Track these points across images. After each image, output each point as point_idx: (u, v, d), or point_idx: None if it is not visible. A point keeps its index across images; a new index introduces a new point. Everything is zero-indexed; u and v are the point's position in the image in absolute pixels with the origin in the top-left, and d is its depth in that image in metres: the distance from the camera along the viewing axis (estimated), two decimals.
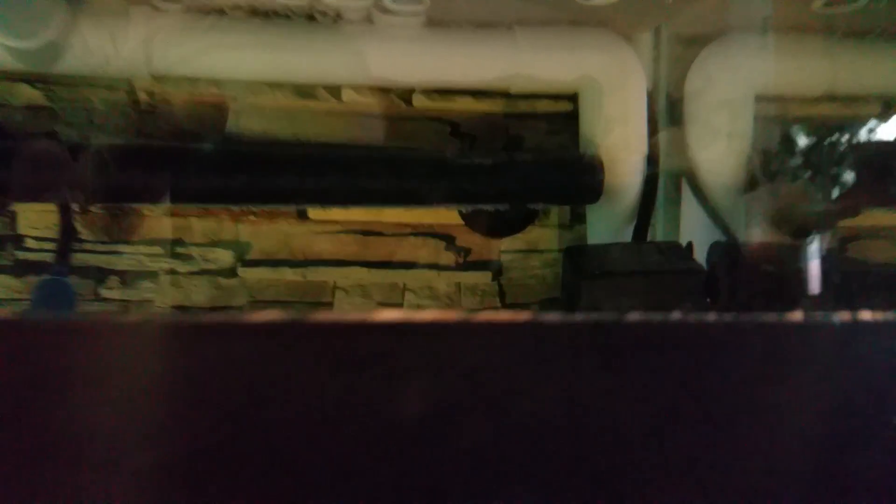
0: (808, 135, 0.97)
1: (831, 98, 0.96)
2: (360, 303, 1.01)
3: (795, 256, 0.84)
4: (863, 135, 0.90)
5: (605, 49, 0.95)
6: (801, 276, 0.79)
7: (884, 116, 0.97)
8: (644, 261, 0.82)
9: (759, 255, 0.87)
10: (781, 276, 0.80)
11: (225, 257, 0.97)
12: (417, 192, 0.90)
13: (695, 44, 0.96)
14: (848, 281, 0.79)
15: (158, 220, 0.95)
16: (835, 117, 0.98)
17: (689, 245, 0.85)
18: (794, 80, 0.94)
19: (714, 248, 0.87)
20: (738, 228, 0.94)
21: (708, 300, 0.77)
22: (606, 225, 0.96)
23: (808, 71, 0.92)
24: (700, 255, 0.91)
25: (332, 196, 0.89)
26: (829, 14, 0.87)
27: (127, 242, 0.95)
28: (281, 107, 0.98)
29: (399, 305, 1.02)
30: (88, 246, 0.93)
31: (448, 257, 1.03)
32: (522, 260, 1.05)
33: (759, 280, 0.83)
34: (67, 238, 0.86)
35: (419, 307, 1.03)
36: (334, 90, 0.98)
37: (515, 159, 0.92)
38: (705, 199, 0.93)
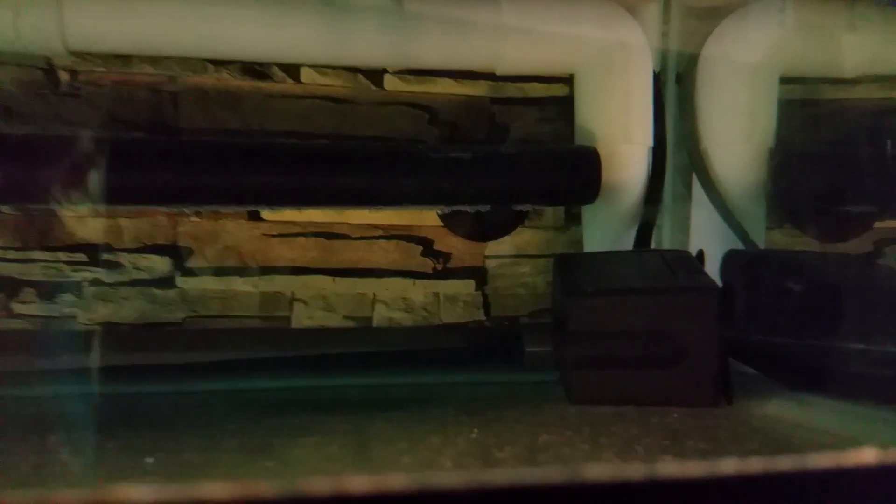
0: (843, 121, 0.84)
1: (873, 79, 0.83)
2: (323, 316, 0.88)
3: (830, 268, 0.71)
4: None
5: (605, 23, 0.82)
6: (837, 294, 0.65)
7: None
8: (646, 275, 0.69)
9: (784, 267, 0.74)
10: (811, 294, 0.67)
11: (161, 265, 0.84)
12: (386, 190, 0.77)
13: (711, 16, 0.82)
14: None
15: (82, 222, 0.81)
16: (876, 101, 0.85)
17: (700, 254, 0.72)
18: (828, 59, 0.80)
19: (729, 258, 0.74)
20: (759, 233, 0.81)
21: (722, 323, 0.64)
22: (605, 228, 0.83)
23: (845, 47, 0.79)
24: (714, 266, 0.77)
25: (284, 196, 0.75)
26: None
27: (44, 249, 0.81)
28: (228, 88, 0.84)
29: (368, 319, 0.89)
30: None
31: (425, 264, 0.90)
32: (510, 266, 0.91)
33: (782, 299, 0.70)
34: None
35: (391, 320, 0.89)
36: (291, 69, 0.85)
37: (499, 153, 0.79)
38: (720, 198, 0.80)
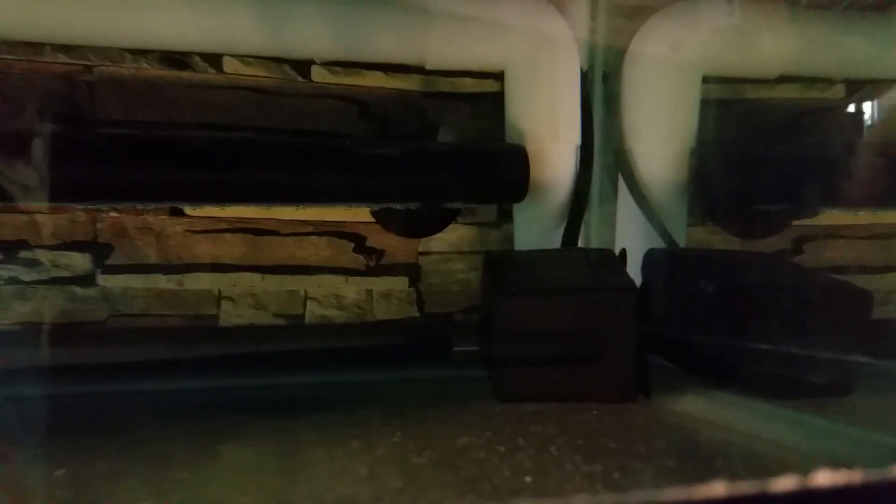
0: (762, 121, 0.86)
1: (792, 79, 0.85)
2: (253, 315, 0.86)
3: (741, 267, 0.73)
4: (824, 124, 0.80)
5: (533, 19, 0.82)
6: (745, 293, 0.68)
7: (847, 102, 0.87)
8: (568, 274, 0.70)
9: (698, 266, 0.76)
10: (721, 293, 0.69)
11: (81, 262, 0.81)
12: (312, 187, 0.76)
13: (637, 15, 0.83)
14: (810, 294, 0.68)
15: None
16: (794, 101, 0.88)
17: (623, 253, 0.73)
18: (750, 59, 0.82)
19: (649, 257, 0.76)
20: (681, 231, 0.83)
21: (640, 321, 0.65)
22: (534, 225, 0.84)
23: (766, 48, 0.81)
24: (637, 263, 0.79)
25: (203, 192, 0.73)
26: None
27: None
28: (147, 78, 0.82)
29: (300, 317, 0.88)
30: None
31: (357, 260, 0.89)
32: (444, 263, 0.91)
33: (696, 297, 0.72)
34: None
35: (324, 318, 0.89)
36: (213, 59, 0.82)
37: (428, 149, 0.78)
38: (643, 196, 0.82)
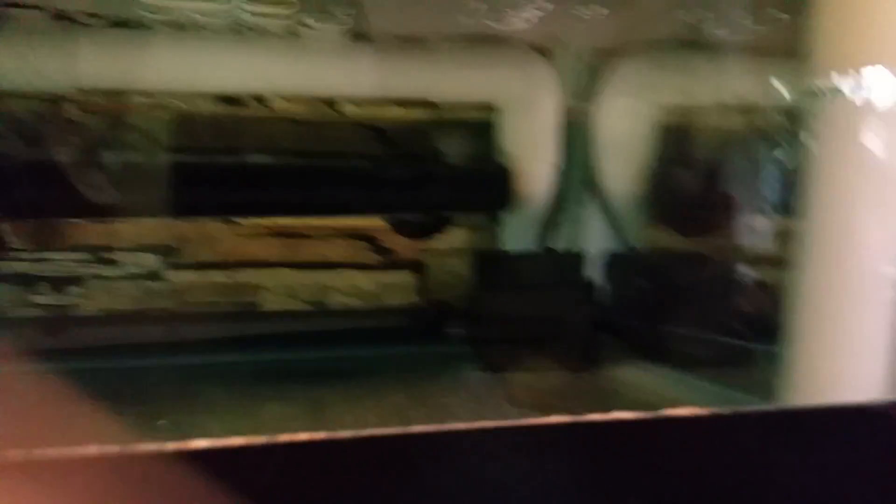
0: (703, 145, 1.03)
1: (726, 109, 1.02)
2: (286, 302, 1.06)
3: (673, 266, 0.91)
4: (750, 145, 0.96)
5: (521, 65, 1.00)
6: (674, 287, 0.86)
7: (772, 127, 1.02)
8: (539, 273, 0.89)
9: (641, 265, 0.94)
10: (656, 287, 0.87)
11: (151, 261, 1.01)
12: (338, 203, 0.95)
13: (605, 60, 1.01)
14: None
15: (85, 226, 0.98)
16: (729, 127, 1.04)
17: (583, 254, 0.92)
18: (691, 94, 0.99)
19: (608, 258, 0.94)
20: (637, 234, 1.01)
21: (593, 310, 0.84)
22: (518, 230, 1.02)
23: (702, 85, 0.98)
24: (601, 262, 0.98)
25: (260, 208, 0.93)
26: (718, 36, 0.93)
27: (56, 249, 0.98)
28: (213, 114, 1.01)
29: (324, 304, 1.08)
30: (18, 254, 0.96)
31: (371, 258, 1.09)
32: (442, 259, 1.10)
33: (639, 290, 0.90)
34: None
35: (344, 304, 1.08)
36: (264, 99, 1.02)
37: (430, 171, 0.97)
38: (605, 206, 1.00)
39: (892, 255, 0.52)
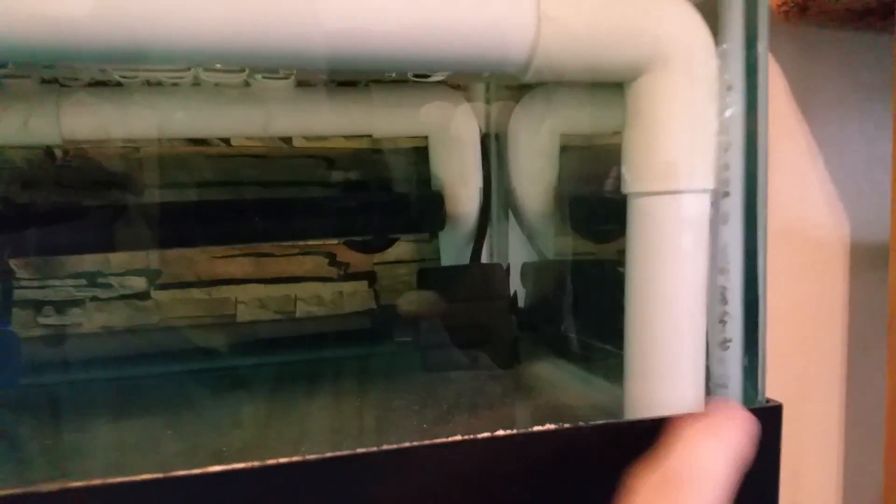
0: (604, 162, 1.21)
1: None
2: (259, 313, 1.23)
3: (572, 273, 1.10)
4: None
5: (445, 101, 1.16)
6: (570, 293, 1.05)
7: None
8: (469, 284, 1.07)
9: (549, 273, 1.13)
10: (559, 293, 1.06)
11: (139, 283, 1.17)
12: (298, 230, 1.12)
13: (518, 93, 1.18)
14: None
15: (81, 256, 1.14)
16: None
17: (508, 266, 1.10)
18: (587, 123, 1.17)
19: (523, 267, 1.12)
20: (549, 246, 1.20)
21: (514, 315, 1.02)
22: (452, 245, 1.20)
23: (598, 115, 1.16)
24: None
25: (224, 238, 1.10)
26: None
27: (56, 277, 1.13)
28: (178, 154, 1.16)
29: (292, 313, 1.25)
30: (25, 283, 1.12)
31: (331, 271, 1.26)
32: (392, 269, 1.28)
33: (545, 296, 1.09)
34: (7, 291, 1.05)
35: (309, 313, 1.26)
36: (224, 139, 1.17)
37: (373, 199, 1.14)
38: (523, 221, 1.18)
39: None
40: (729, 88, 0.65)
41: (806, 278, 1.30)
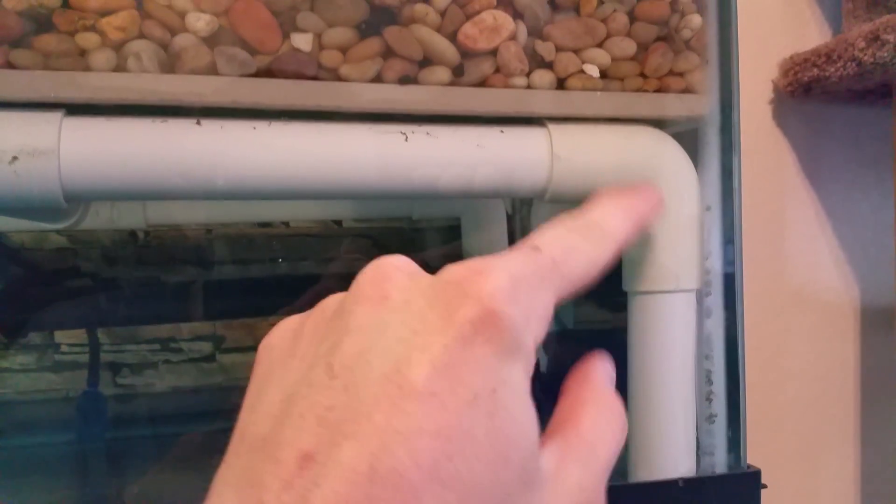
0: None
1: None
2: None
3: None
4: None
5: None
6: None
7: None
8: None
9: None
10: None
11: (205, 348, 1.33)
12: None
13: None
14: None
15: (157, 326, 1.30)
16: None
17: None
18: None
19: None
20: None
21: None
22: None
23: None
24: None
25: (286, 307, 1.25)
26: None
27: (133, 342, 1.30)
28: (244, 234, 1.33)
29: None
30: (106, 347, 1.28)
31: None
32: None
33: None
34: (96, 356, 1.21)
35: None
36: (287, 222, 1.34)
37: None
38: None
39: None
40: (708, 209, 0.79)
41: (818, 340, 1.38)
